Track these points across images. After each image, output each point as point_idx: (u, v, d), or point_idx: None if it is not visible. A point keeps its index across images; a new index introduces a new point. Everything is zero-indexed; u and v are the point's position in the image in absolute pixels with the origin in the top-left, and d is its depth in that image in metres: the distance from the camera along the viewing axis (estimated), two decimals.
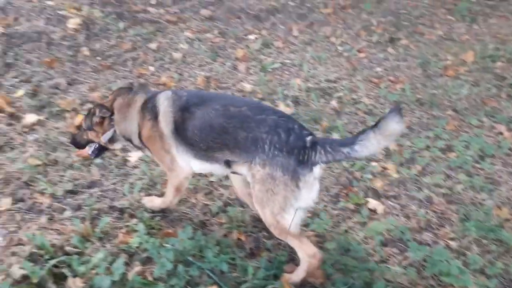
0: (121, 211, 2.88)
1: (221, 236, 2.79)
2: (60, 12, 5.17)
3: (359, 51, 6.37)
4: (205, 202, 3.15)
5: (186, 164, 2.57)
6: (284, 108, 4.50)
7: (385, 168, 3.90)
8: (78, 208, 2.86)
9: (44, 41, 4.70)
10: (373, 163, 3.91)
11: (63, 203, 2.89)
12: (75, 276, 2.30)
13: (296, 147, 2.21)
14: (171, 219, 2.94)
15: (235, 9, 6.73)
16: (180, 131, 2.45)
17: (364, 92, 5.20)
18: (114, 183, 3.14)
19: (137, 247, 2.57)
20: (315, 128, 4.26)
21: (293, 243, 2.42)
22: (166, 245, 2.55)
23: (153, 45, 5.20)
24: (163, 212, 2.93)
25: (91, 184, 3.10)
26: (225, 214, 3.01)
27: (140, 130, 2.61)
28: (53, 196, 2.93)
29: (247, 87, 4.86)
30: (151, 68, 4.83)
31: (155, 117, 2.51)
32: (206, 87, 4.69)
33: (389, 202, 3.55)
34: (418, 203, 3.59)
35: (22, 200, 2.87)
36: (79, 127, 3.03)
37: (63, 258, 2.38)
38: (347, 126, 4.45)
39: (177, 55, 5.14)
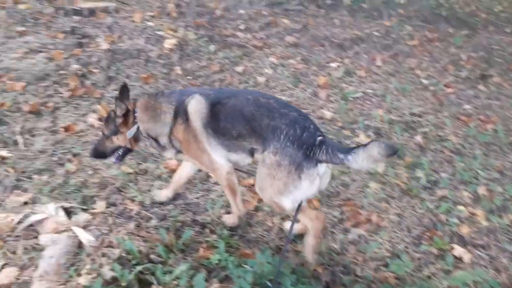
0: (203, 225, 2.97)
1: (297, 265, 2.76)
2: (158, 33, 5.60)
3: (446, 86, 6.10)
4: (281, 227, 3.15)
5: (223, 159, 2.73)
6: (365, 138, 4.41)
7: (473, 214, 3.64)
8: (163, 218, 3.00)
9: (143, 58, 5.09)
10: (460, 207, 3.67)
11: (150, 212, 3.05)
12: (159, 284, 2.39)
13: (306, 143, 2.45)
14: (248, 239, 2.97)
15: (319, 37, 6.81)
16: (212, 124, 2.63)
17: (451, 130, 4.94)
18: (197, 197, 3.27)
19: (216, 264, 2.62)
20: (397, 163, 4.12)
21: (301, 218, 2.72)
22: (245, 266, 2.57)
23: (239, 68, 5.40)
24: (241, 232, 2.97)
25: (176, 196, 3.25)
26: (301, 242, 2.98)
27: (172, 132, 2.74)
28: (141, 204, 3.11)
29: (327, 114, 4.84)
30: None
31: (186, 119, 2.67)
32: None
33: (477, 251, 3.29)
34: (510, 257, 3.29)
35: (114, 204, 3.08)
36: (100, 138, 2.98)
37: (148, 265, 2.50)
38: (432, 164, 4.24)
39: (261, 79, 5.29)
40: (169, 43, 5.40)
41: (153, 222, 2.95)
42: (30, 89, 4.33)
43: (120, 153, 2.94)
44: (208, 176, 3.53)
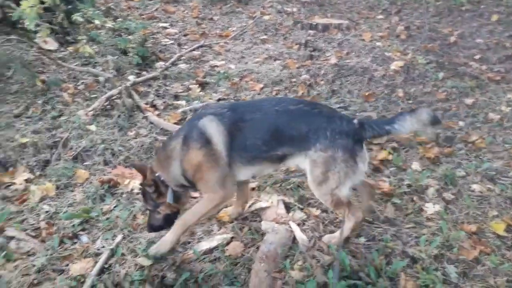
0: (413, 259, 2.79)
1: None
2: (386, 54, 5.58)
3: None
4: None
5: (233, 183, 2.68)
6: None
7: None
8: (372, 238, 2.95)
9: (367, 76, 5.15)
10: None
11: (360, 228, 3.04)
12: None
13: (350, 129, 2.55)
14: None
15: None
16: (237, 143, 2.56)
17: None
18: (408, 228, 3.09)
19: None
20: None
21: (345, 210, 2.69)
22: None
23: (468, 100, 4.91)
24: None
25: (386, 220, 3.15)
26: None
27: (184, 167, 2.60)
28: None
29: None
30: (461, 123, 4.56)
31: (206, 142, 2.53)
32: None
33: None
34: None
35: (326, 211, 3.19)
36: (149, 214, 2.81)
37: (358, 282, 2.48)
38: None
39: (493, 116, 4.68)
40: (395, 64, 5.32)
41: (362, 239, 2.93)
42: (266, 91, 4.90)
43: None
44: (421, 210, 3.31)
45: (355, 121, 2.63)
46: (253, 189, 3.35)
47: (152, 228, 2.78)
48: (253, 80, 5.07)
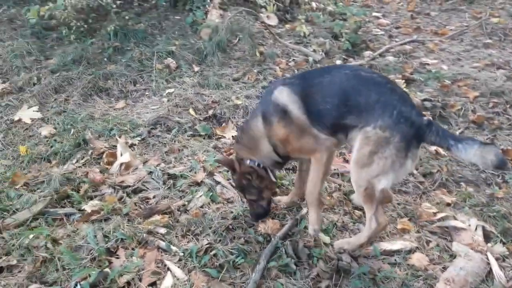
0: None
1: None
2: None
3: None
4: None
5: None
6: None
7: None
8: None
9: None
10: None
11: None
12: None
13: (417, 121, 2.31)
14: None
15: None
16: (311, 109, 2.46)
17: None
18: None
19: None
20: None
21: (371, 209, 2.45)
22: None
23: None
24: None
25: None
26: None
27: (273, 143, 2.58)
28: None
29: None
30: None
31: (284, 113, 2.47)
32: None
33: None
34: None
35: None
36: (253, 205, 2.79)
37: None
38: None
39: None
40: None
41: None
42: (480, 100, 4.36)
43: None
44: None
45: (425, 117, 2.38)
46: (448, 204, 3.08)
47: (259, 216, 2.82)
48: (468, 86, 4.56)
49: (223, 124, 4.06)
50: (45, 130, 3.81)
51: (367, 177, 2.38)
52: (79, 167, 3.31)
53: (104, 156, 3.41)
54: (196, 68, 5.03)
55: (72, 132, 3.72)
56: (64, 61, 4.92)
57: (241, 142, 2.71)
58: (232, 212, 2.93)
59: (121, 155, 3.36)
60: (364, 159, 2.37)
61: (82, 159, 3.41)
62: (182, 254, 2.58)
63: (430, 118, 2.71)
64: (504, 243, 2.76)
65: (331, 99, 2.43)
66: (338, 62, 5.06)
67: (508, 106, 4.29)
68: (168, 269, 2.46)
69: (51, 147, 3.60)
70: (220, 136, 3.90)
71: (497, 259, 2.62)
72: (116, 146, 3.52)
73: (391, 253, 2.67)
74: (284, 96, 2.49)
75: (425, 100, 4.40)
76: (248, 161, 2.66)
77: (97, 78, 4.69)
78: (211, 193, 3.08)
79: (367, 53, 5.38)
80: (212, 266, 2.52)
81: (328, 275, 2.50)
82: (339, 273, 2.52)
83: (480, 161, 2.24)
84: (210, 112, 4.16)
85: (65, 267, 2.45)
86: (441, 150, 3.68)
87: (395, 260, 2.61)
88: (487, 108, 4.28)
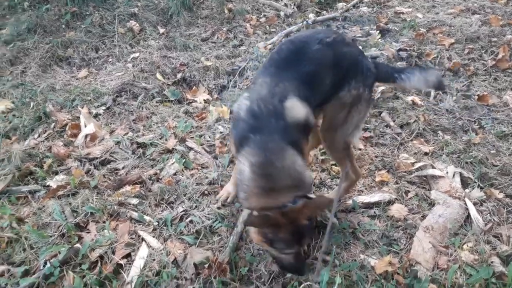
0: None
1: None
2: None
3: None
4: None
5: None
6: None
7: None
8: None
9: None
10: None
11: None
12: None
13: (374, 69, 2.30)
14: None
15: None
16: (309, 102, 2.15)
17: None
18: None
19: None
20: None
21: (348, 163, 2.42)
22: None
23: None
24: None
25: None
26: None
27: None
28: None
29: None
30: None
31: (307, 127, 2.16)
32: None
33: None
34: None
35: (510, 196, 2.72)
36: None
37: None
38: None
39: None
40: None
41: None
42: (456, 47, 4.27)
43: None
44: None
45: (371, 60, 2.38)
46: (426, 154, 3.04)
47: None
48: (443, 33, 4.44)
49: (194, 87, 3.88)
50: (2, 105, 3.56)
51: (343, 137, 2.34)
52: (41, 141, 3.12)
53: (67, 128, 3.22)
54: (161, 30, 4.76)
55: (31, 106, 3.49)
56: (18, 31, 4.58)
57: (271, 187, 1.89)
58: (207, 178, 2.83)
59: (85, 126, 3.18)
60: (339, 122, 2.30)
61: (44, 133, 3.21)
62: (157, 223, 2.48)
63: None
64: (481, 188, 2.75)
65: (317, 86, 2.13)
66: (311, 15, 4.85)
67: (483, 51, 4.22)
68: (143, 239, 2.37)
69: (10, 122, 3.37)
70: (191, 101, 3.73)
71: (474, 204, 2.61)
72: (79, 117, 3.32)
73: (370, 205, 2.63)
74: (300, 109, 2.00)
75: (400, 50, 4.29)
76: (289, 204, 1.88)
77: (56, 47, 4.39)
78: (184, 160, 2.95)
79: (340, 4, 5.17)
80: (189, 233, 2.43)
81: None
82: (318, 230, 2.48)
83: (423, 84, 2.36)
84: (179, 75, 3.96)
85: (32, 246, 2.33)
86: (418, 100, 3.61)
87: (375, 212, 2.57)
88: (463, 54, 4.20)
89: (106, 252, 2.28)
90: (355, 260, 2.27)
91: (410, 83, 2.35)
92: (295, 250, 1.97)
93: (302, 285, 2.12)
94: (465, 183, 2.79)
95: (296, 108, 1.98)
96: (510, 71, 3.99)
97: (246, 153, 1.91)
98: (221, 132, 3.27)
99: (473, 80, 3.91)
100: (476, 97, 3.67)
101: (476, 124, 3.37)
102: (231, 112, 3.36)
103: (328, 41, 2.17)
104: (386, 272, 2.19)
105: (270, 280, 2.20)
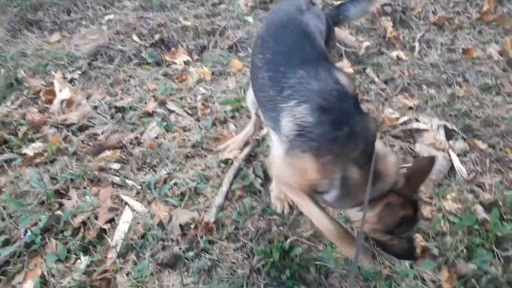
0: None
1: None
2: None
3: None
4: None
5: None
6: None
7: None
8: None
9: None
10: None
11: None
12: None
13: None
14: None
15: None
16: None
17: None
18: None
19: None
20: None
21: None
22: None
23: None
24: None
25: None
26: None
27: None
28: None
29: None
30: None
31: None
32: None
33: None
34: None
35: (494, 147, 2.73)
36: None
37: None
38: None
39: None
40: None
41: None
42: (441, 1, 4.19)
43: None
44: None
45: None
46: (411, 108, 3.01)
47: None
48: None
49: (172, 48, 3.73)
50: None
51: None
52: (14, 109, 2.97)
53: (41, 94, 3.08)
54: None
55: (2, 72, 3.31)
56: None
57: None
58: (190, 140, 2.76)
59: (60, 91, 3.04)
60: None
61: (17, 100, 3.06)
62: (140, 187, 2.43)
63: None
64: (465, 139, 2.76)
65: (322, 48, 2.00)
66: None
67: (468, 4, 4.15)
68: (126, 203, 2.32)
69: None
70: (170, 63, 3.59)
71: (458, 155, 2.63)
72: (53, 82, 3.17)
73: None
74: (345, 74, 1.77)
75: (385, 5, 4.18)
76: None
77: (25, 10, 4.14)
78: (165, 123, 2.87)
79: None
80: (173, 195, 2.39)
81: None
82: None
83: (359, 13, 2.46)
84: (157, 36, 3.79)
85: (12, 215, 2.25)
86: (402, 55, 3.56)
87: None
88: (448, 8, 4.13)
89: (88, 218, 2.22)
90: (341, 214, 2.27)
91: (355, 14, 2.45)
92: (412, 232, 1.71)
93: (288, 239, 2.13)
94: (449, 135, 2.79)
95: (345, 77, 1.72)
96: (494, 23, 3.95)
97: (344, 156, 1.55)
98: (202, 94, 3.18)
99: (458, 33, 3.87)
100: (461, 50, 3.63)
101: (460, 77, 3.36)
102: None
103: (305, 7, 2.01)
104: None
105: (257, 236, 2.20)
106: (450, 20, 3.95)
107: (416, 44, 3.69)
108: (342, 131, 1.55)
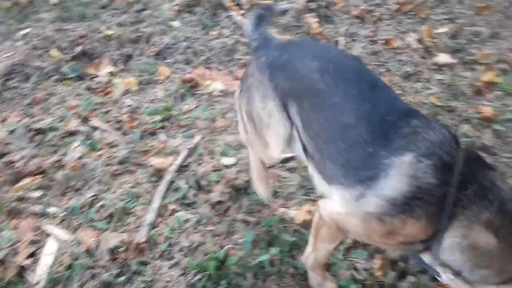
0: None
1: None
2: None
3: None
4: None
5: None
6: None
7: None
8: None
9: None
10: None
11: None
12: None
13: None
14: None
15: None
16: None
17: None
18: (507, 158, 2.70)
19: None
20: None
21: None
22: None
23: None
24: None
25: (483, 147, 2.75)
26: None
27: None
28: None
29: None
30: None
31: None
32: None
33: None
34: None
35: None
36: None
37: None
38: None
39: None
40: None
41: None
42: None
43: None
44: None
45: None
46: None
47: None
48: None
49: (96, 60, 3.56)
50: None
51: None
52: None
53: None
54: (54, 0, 4.30)
55: None
56: None
57: None
58: (116, 157, 2.65)
59: None
60: None
61: None
62: (64, 213, 2.30)
63: None
64: None
65: None
66: None
67: None
68: (48, 234, 2.18)
69: None
70: (93, 75, 3.42)
71: None
72: None
73: (287, 159, 2.63)
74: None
75: (309, 1, 4.24)
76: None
77: None
78: (89, 141, 2.74)
79: None
80: (101, 218, 2.29)
81: (227, 195, 2.41)
82: (239, 192, 2.45)
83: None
84: (78, 49, 3.60)
85: None
86: None
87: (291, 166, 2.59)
88: (368, 1, 4.26)
89: (7, 255, 2.07)
90: (275, 215, 2.29)
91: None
92: None
93: (222, 249, 2.11)
94: None
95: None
96: (411, 13, 4.13)
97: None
98: (129, 106, 3.07)
99: (379, 25, 4.00)
100: (383, 41, 3.76)
101: (383, 67, 3.48)
102: None
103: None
104: (305, 221, 2.22)
105: (192, 251, 2.15)
106: (371, 13, 4.07)
107: (341, 38, 3.78)
108: None
